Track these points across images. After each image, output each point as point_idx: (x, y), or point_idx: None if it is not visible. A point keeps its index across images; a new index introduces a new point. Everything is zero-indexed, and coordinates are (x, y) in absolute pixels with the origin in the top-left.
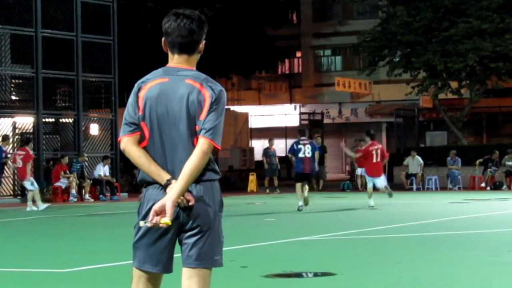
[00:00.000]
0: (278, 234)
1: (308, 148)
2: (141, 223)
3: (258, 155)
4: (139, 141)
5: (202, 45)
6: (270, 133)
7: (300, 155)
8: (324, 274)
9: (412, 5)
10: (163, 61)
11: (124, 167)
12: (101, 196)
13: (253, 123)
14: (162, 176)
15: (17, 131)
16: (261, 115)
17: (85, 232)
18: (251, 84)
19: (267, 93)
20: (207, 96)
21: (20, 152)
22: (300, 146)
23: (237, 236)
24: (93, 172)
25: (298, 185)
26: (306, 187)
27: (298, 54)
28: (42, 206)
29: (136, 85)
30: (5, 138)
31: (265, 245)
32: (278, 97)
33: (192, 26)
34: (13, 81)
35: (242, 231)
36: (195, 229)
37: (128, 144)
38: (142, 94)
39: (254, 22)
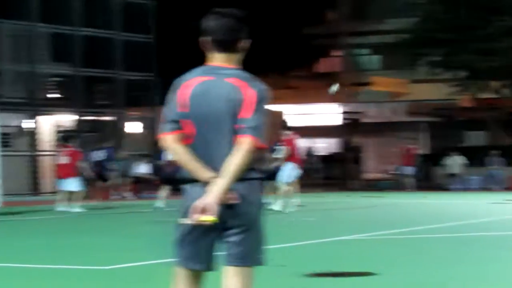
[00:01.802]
0: (317, 233)
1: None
2: (183, 221)
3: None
4: (181, 139)
5: (244, 43)
6: (307, 132)
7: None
8: (363, 274)
9: (451, 2)
10: (204, 60)
11: (164, 165)
12: (141, 193)
13: (290, 122)
14: (204, 174)
15: (58, 128)
16: (298, 114)
17: (126, 229)
18: (288, 83)
19: (304, 92)
20: (250, 95)
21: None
22: None
23: (276, 235)
24: (133, 170)
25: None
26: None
27: (336, 52)
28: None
29: (177, 83)
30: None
31: (304, 244)
32: (316, 96)
33: (233, 25)
34: (53, 79)
35: (281, 230)
36: (237, 227)
37: (169, 142)
38: (183, 92)
39: (291, 20)
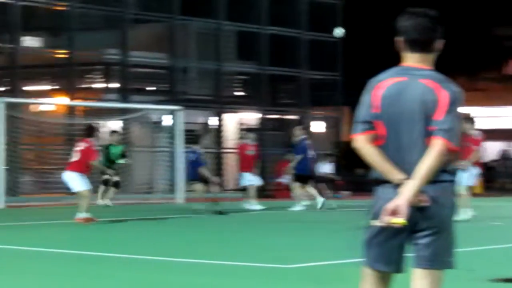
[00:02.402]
0: (506, 238)
1: None
2: (374, 222)
3: (486, 157)
4: (373, 140)
5: (439, 43)
6: (495, 135)
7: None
8: None
9: None
10: (392, 60)
11: (346, 165)
12: (324, 193)
13: (480, 124)
14: (396, 175)
15: (241, 126)
16: (486, 116)
17: (307, 228)
18: (476, 85)
19: (493, 95)
20: (444, 97)
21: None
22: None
23: (462, 238)
24: (317, 170)
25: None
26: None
27: None
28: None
29: (370, 83)
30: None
31: (492, 249)
32: (505, 99)
33: (428, 24)
34: (238, 77)
35: (467, 233)
36: (428, 229)
37: (361, 142)
38: (377, 92)
39: (481, 21)
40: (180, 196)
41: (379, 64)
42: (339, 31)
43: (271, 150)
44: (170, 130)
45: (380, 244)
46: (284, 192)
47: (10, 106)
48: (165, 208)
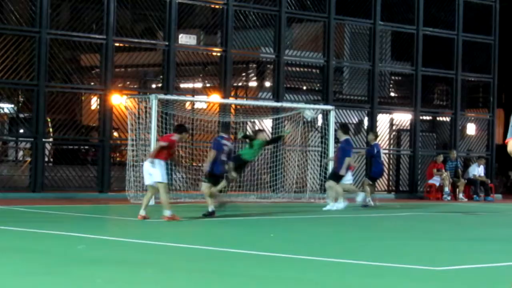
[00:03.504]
0: None
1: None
2: None
3: None
4: None
5: None
6: None
7: None
8: None
9: None
10: None
11: (498, 168)
12: (474, 196)
13: None
14: None
15: (394, 127)
16: None
17: (458, 231)
18: None
19: None
20: None
21: None
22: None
23: None
24: (468, 172)
25: None
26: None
27: None
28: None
29: None
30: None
31: None
32: None
33: None
34: (392, 78)
35: None
36: None
37: None
38: None
39: None
40: None
41: None
42: (309, 113)
43: (422, 152)
44: (323, 129)
45: None
46: (436, 193)
47: (162, 103)
48: (315, 206)
